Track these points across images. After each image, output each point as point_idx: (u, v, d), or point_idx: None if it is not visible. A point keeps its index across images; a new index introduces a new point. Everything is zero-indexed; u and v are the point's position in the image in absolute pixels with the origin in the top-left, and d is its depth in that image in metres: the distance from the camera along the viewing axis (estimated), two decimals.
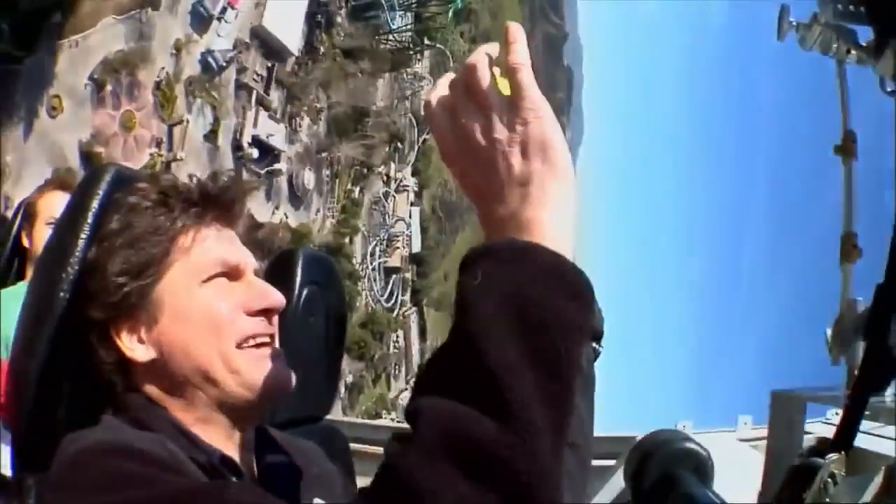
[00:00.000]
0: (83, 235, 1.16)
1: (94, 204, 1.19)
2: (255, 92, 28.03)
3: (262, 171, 28.70)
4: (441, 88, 0.86)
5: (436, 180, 53.02)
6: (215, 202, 1.18)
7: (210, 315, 1.12)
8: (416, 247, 46.70)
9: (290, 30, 30.27)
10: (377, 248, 41.60)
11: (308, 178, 32.95)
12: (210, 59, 24.98)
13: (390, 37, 42.98)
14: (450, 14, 45.39)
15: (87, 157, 19.42)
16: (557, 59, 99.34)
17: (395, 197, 44.64)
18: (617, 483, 3.03)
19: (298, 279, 1.66)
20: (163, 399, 1.12)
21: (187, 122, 23.69)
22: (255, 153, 27.46)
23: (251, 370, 1.12)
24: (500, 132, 0.79)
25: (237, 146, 27.05)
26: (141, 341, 1.12)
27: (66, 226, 1.20)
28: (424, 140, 49.14)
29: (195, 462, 1.02)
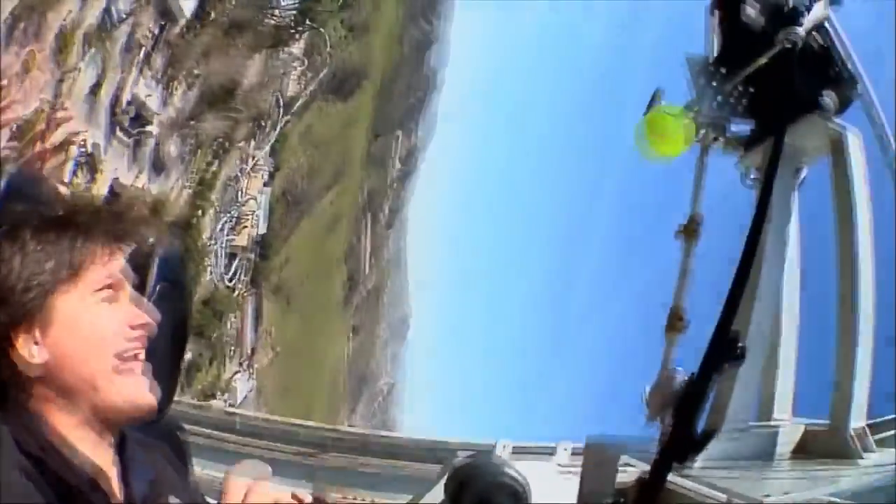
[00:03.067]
0: None
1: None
2: (143, 50, 27.70)
3: (134, 132, 28.36)
4: None
5: (290, 164, 52.85)
6: (105, 220, 1.38)
7: (99, 327, 1.29)
8: (262, 228, 46.60)
9: None
10: (226, 226, 41.30)
11: (173, 146, 32.69)
12: (113, 9, 24.66)
13: (275, 13, 42.82)
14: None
15: None
16: (420, 62, 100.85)
17: (249, 175, 44.43)
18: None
19: (153, 277, 1.72)
20: (49, 400, 1.26)
21: (79, 71, 23.31)
22: (131, 112, 27.17)
23: (129, 386, 1.30)
24: None
25: (114, 104, 26.68)
26: (36, 343, 1.26)
27: None
28: (287, 122, 49.06)
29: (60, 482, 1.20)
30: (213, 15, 34.02)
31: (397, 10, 78.65)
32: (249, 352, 46.02)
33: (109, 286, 1.34)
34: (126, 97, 26.77)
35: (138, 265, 1.45)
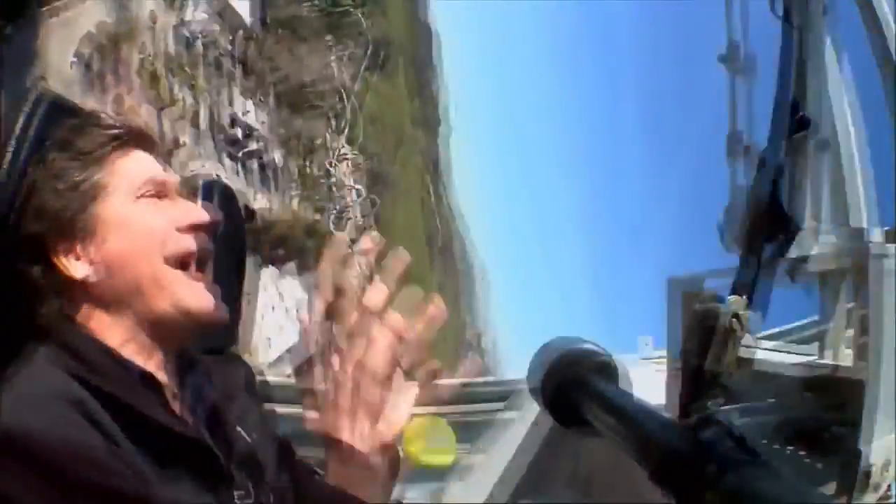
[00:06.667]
0: (10, 149, 1.12)
1: (32, 124, 1.15)
2: (225, 68, 23.53)
3: (239, 155, 24.40)
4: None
5: (363, 147, 49.61)
6: (135, 129, 1.15)
7: (145, 227, 1.08)
8: (359, 217, 43.13)
9: (251, 8, 25.90)
10: (332, 223, 37.84)
11: (278, 156, 28.71)
12: (186, 33, 20.39)
13: (308, 3, 38.71)
14: None
15: None
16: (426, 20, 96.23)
17: (337, 166, 40.68)
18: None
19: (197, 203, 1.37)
20: (91, 317, 1.07)
21: (184, 101, 19.23)
22: (238, 134, 23.14)
23: (180, 290, 1.07)
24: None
25: (218, 128, 22.64)
26: (77, 258, 1.06)
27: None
28: (350, 108, 45.66)
29: (117, 383, 0.98)
30: (267, 20, 30.04)
31: None
32: None
33: (153, 194, 1.10)
34: (226, 120, 22.67)
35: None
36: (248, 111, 24.35)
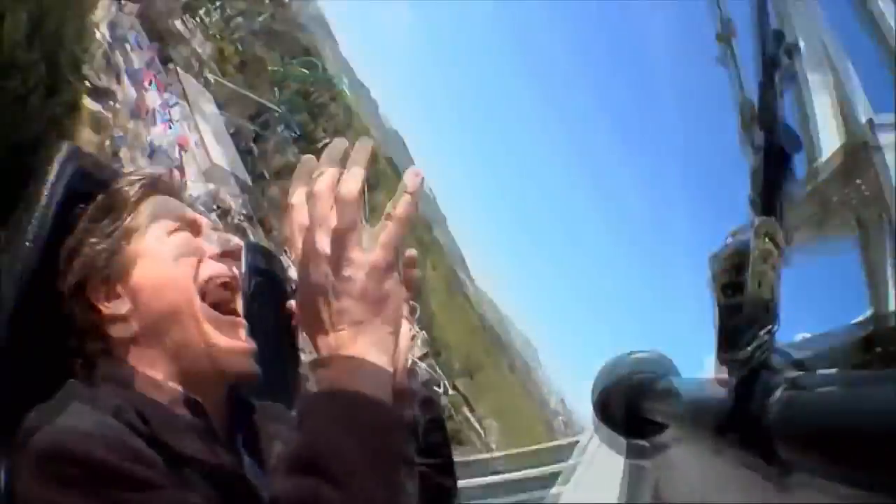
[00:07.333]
0: (42, 201, 1.12)
1: (51, 176, 1.15)
2: (248, 231, 21.83)
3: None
4: (300, 200, 0.83)
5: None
6: (157, 176, 1.16)
7: (177, 255, 1.08)
8: None
9: (234, 164, 24.63)
10: None
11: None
12: (200, 208, 18.67)
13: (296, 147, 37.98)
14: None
15: None
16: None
17: None
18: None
19: (244, 269, 1.45)
20: (134, 355, 1.05)
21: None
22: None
23: (212, 327, 1.05)
24: (345, 269, 0.78)
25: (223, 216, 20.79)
26: (117, 296, 1.06)
27: (24, 199, 1.15)
28: None
29: (160, 421, 0.95)
30: (266, 175, 29.01)
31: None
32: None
33: (185, 228, 1.11)
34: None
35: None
36: (287, 266, 22.41)
